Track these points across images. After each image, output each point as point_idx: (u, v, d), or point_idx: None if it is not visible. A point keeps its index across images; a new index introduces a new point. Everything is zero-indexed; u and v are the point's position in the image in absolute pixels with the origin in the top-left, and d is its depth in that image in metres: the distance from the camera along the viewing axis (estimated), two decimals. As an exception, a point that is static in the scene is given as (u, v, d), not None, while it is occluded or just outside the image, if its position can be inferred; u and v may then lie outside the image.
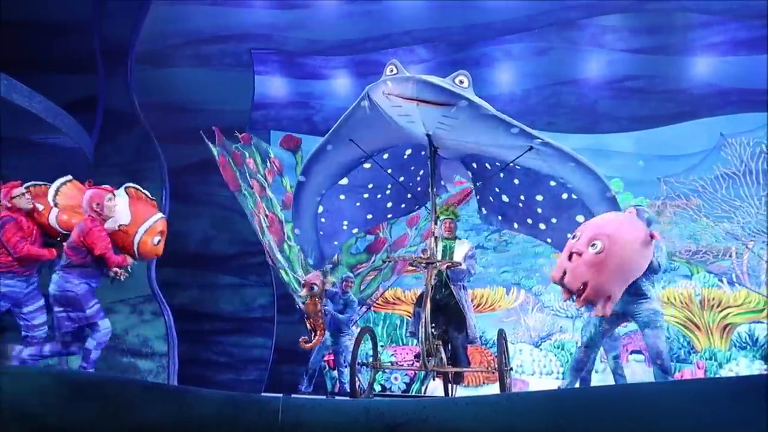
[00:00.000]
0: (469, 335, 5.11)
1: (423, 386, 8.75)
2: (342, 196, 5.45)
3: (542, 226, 5.18)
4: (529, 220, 5.24)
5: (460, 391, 5.85)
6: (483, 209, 5.53)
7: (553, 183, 4.86)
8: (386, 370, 9.38)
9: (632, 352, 9.04)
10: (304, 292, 7.09)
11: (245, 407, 3.07)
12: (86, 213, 4.70)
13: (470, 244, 5.44)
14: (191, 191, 9.96)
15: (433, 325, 4.58)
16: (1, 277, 4.83)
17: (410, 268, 8.88)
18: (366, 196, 5.50)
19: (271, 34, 10.43)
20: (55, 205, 4.98)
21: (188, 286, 9.97)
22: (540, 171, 4.81)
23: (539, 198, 5.04)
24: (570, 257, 4.18)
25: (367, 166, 5.25)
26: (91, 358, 4.78)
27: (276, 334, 9.71)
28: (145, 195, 5.13)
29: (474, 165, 5.19)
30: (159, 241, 4.99)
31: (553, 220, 5.09)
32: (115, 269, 4.80)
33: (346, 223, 5.63)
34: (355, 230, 5.95)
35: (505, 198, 5.21)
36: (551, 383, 9.10)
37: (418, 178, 5.42)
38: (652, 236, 4.35)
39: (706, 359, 9.21)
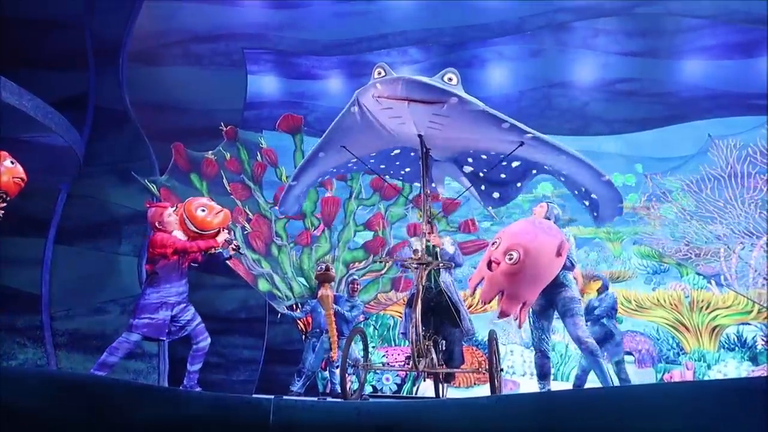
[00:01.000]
0: (464, 327, 5.14)
1: (414, 387, 8.78)
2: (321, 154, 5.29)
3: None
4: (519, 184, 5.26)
5: (451, 392, 5.86)
6: (485, 203, 5.52)
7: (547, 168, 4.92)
8: (378, 371, 9.39)
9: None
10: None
11: (236, 408, 3.05)
12: (151, 229, 5.05)
13: (451, 237, 5.47)
14: (181, 191, 9.91)
15: (424, 328, 4.58)
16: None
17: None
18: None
19: (264, 34, 10.42)
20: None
21: (179, 286, 9.91)
22: (537, 162, 4.84)
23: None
24: (489, 265, 4.24)
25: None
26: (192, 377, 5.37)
27: (267, 335, 9.68)
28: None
29: (470, 160, 5.16)
30: (204, 211, 5.04)
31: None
32: (220, 245, 5.03)
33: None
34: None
35: (503, 175, 5.18)
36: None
37: (403, 173, 5.47)
38: (561, 248, 4.35)
39: (695, 360, 9.29)
